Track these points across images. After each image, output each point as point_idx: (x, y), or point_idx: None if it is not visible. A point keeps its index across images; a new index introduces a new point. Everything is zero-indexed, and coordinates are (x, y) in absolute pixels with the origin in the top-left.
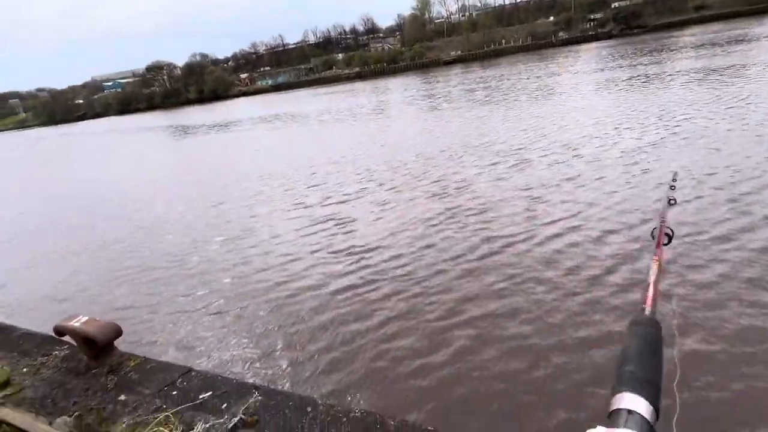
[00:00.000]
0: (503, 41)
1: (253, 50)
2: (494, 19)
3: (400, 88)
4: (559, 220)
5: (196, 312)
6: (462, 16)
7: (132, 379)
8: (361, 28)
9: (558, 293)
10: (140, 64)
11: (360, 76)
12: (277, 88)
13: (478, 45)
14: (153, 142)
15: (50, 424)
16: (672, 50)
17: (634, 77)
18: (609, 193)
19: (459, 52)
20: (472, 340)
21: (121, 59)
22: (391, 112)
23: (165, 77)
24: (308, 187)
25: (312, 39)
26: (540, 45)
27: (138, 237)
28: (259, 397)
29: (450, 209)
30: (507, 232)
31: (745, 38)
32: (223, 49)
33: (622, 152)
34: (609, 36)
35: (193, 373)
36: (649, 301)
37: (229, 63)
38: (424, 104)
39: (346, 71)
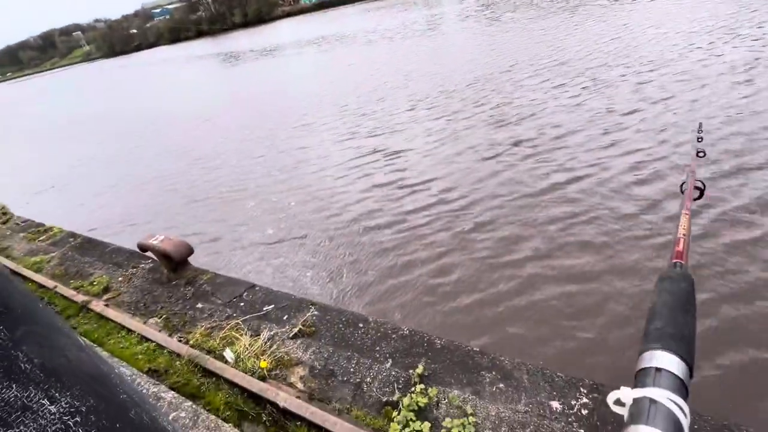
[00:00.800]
0: None
1: None
2: None
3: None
4: (635, 151)
5: (256, 228)
6: None
7: (206, 290)
8: None
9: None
10: None
11: None
12: (321, 6)
13: None
14: (203, 72)
15: (144, 323)
16: None
17: None
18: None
19: None
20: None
21: None
22: (447, 28)
23: (210, 1)
24: (359, 116)
25: None
26: None
27: (203, 163)
28: (316, 312)
29: (511, 138)
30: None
31: None
32: None
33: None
34: None
35: (256, 288)
36: (680, 255)
37: None
38: (483, 16)
39: None
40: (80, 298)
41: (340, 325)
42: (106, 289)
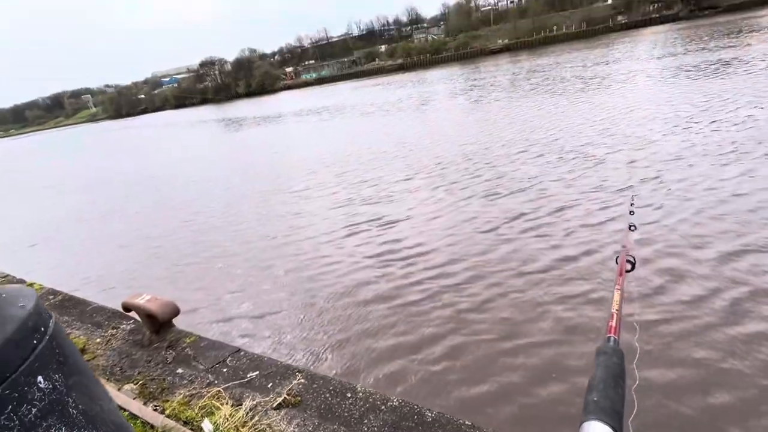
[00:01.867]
0: (555, 28)
1: (298, 44)
2: (545, 4)
3: (444, 80)
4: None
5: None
6: (510, 2)
7: (188, 354)
8: (404, 19)
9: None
10: (194, 60)
11: (402, 68)
12: (321, 81)
13: (527, 33)
14: (206, 135)
15: (119, 389)
16: (750, 32)
17: (708, 62)
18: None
19: (506, 41)
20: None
21: (177, 55)
22: (436, 105)
23: (217, 72)
24: (354, 183)
25: (356, 31)
26: (596, 31)
27: (196, 226)
28: (302, 380)
29: (503, 212)
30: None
31: None
32: (270, 43)
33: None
34: (675, 18)
35: (241, 353)
36: (613, 330)
37: (276, 57)
38: (470, 96)
39: (389, 63)
40: None
41: (327, 395)
42: (82, 351)
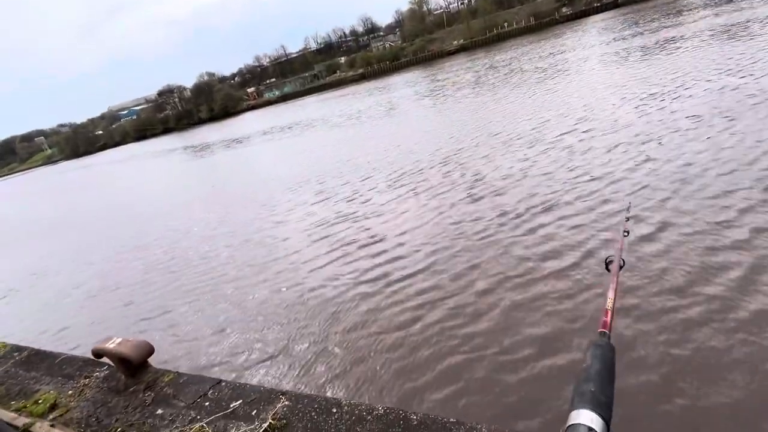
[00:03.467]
0: (505, 25)
1: (257, 63)
2: (494, 3)
3: (405, 85)
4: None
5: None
6: (461, 4)
7: (167, 393)
8: (360, 29)
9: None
10: (151, 90)
11: (364, 77)
12: (284, 98)
13: (480, 32)
14: (170, 164)
15: None
16: (682, 12)
17: (647, 46)
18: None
19: (461, 41)
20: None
21: (133, 87)
22: (400, 110)
23: (176, 100)
24: (334, 198)
25: (314, 46)
26: (544, 24)
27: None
28: (287, 402)
29: (475, 212)
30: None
31: None
32: (227, 66)
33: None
34: (615, 5)
35: (223, 384)
36: (606, 326)
37: (235, 79)
38: (431, 98)
39: (350, 73)
40: (22, 421)
41: (313, 413)
42: (53, 407)
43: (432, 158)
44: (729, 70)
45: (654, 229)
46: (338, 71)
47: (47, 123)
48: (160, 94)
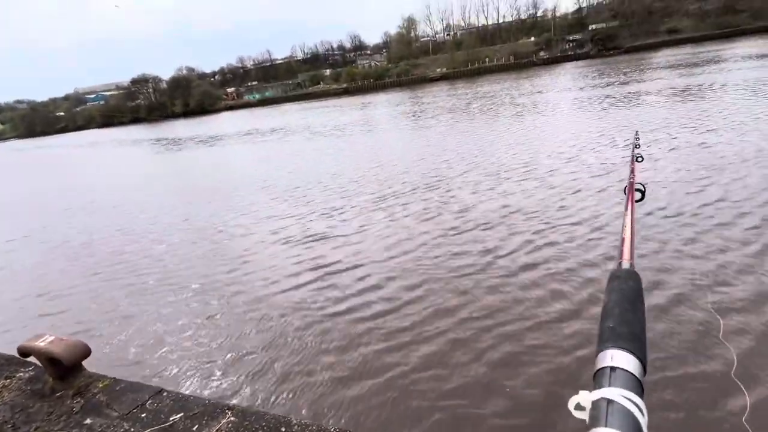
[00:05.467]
0: (486, 60)
1: (240, 65)
2: (477, 38)
3: (387, 104)
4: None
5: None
6: (447, 35)
7: (99, 401)
8: (348, 45)
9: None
10: (125, 77)
11: (347, 92)
12: (264, 102)
13: (462, 63)
14: (136, 154)
15: None
16: (647, 70)
17: (611, 96)
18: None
19: (444, 70)
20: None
21: (105, 72)
22: (384, 128)
23: (150, 90)
24: (290, 205)
25: (300, 55)
26: (522, 64)
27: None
28: (232, 418)
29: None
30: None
31: (718, 58)
32: (210, 63)
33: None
34: (587, 56)
35: (164, 394)
36: (626, 255)
37: (216, 77)
38: (412, 120)
39: (334, 86)
40: None
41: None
42: None
43: (415, 181)
44: (681, 125)
45: None
46: (322, 83)
47: (3, 97)
48: (134, 82)
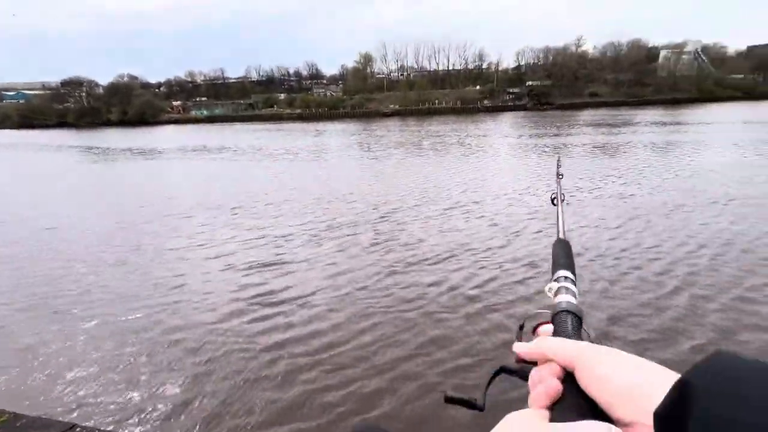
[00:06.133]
0: (436, 102)
1: (189, 78)
2: (429, 81)
3: (342, 134)
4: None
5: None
6: (401, 75)
7: None
8: (305, 73)
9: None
10: (54, 77)
11: (301, 118)
12: (213, 119)
13: (414, 102)
14: (61, 163)
15: None
16: (574, 126)
17: (546, 145)
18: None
19: (397, 106)
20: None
21: (33, 69)
22: (333, 156)
23: (84, 94)
24: (234, 229)
25: (254, 76)
26: (468, 109)
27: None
28: None
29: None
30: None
31: (630, 122)
32: (155, 73)
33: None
34: (524, 108)
35: (78, 429)
36: (561, 232)
37: (161, 88)
38: (366, 152)
39: (288, 111)
40: None
41: None
42: None
43: (366, 212)
44: (603, 175)
45: None
46: (276, 106)
47: None
48: (65, 84)
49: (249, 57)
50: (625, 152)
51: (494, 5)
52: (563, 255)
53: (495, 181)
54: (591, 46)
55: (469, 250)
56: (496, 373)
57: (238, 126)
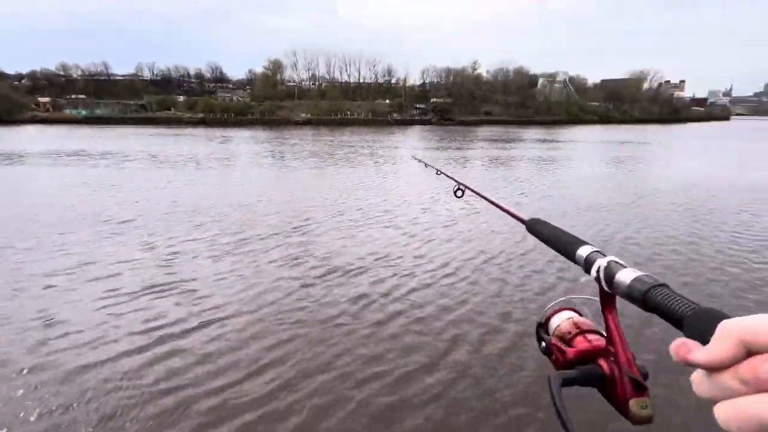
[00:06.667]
0: (348, 113)
1: (62, 72)
2: (341, 92)
3: (252, 141)
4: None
5: None
6: (312, 84)
7: None
8: (207, 75)
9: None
10: None
11: (204, 123)
12: (93, 120)
13: (326, 112)
14: None
15: None
16: (474, 140)
17: (451, 157)
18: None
19: (309, 116)
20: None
21: None
22: (242, 164)
23: None
24: (124, 246)
25: (147, 74)
26: (379, 121)
27: None
28: None
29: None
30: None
31: (518, 138)
32: (12, 62)
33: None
34: (430, 123)
35: None
36: (523, 216)
37: (23, 81)
38: (278, 160)
39: (188, 115)
40: None
41: None
42: None
43: (280, 224)
44: (486, 184)
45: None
46: (173, 109)
47: None
48: None
49: (139, 53)
50: (516, 165)
51: (404, 24)
52: (562, 232)
53: (407, 190)
54: (485, 69)
55: (385, 259)
56: (559, 388)
57: (127, 129)
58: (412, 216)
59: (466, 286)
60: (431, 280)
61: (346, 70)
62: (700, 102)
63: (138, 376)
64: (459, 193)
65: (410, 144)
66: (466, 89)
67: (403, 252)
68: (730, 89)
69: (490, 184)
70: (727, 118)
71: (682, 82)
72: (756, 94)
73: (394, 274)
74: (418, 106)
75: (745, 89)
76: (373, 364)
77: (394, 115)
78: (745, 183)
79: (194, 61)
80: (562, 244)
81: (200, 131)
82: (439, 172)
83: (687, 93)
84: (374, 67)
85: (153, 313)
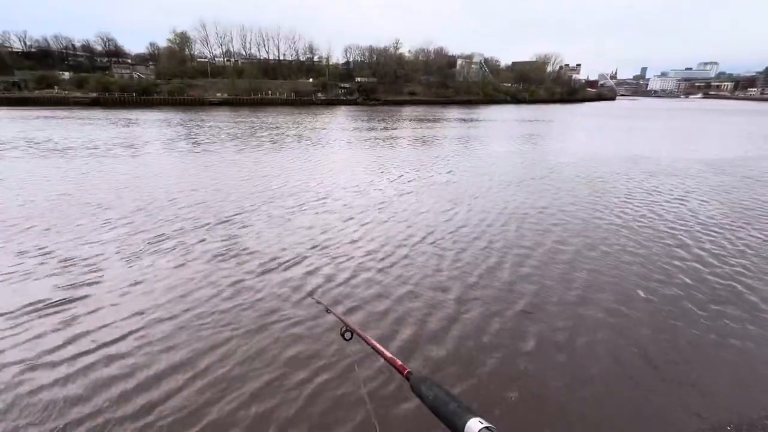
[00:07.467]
0: (269, 92)
1: None
2: (259, 70)
3: (162, 124)
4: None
5: None
6: (227, 60)
7: None
8: (99, 48)
9: None
10: None
11: (99, 103)
12: None
13: (244, 92)
14: None
15: None
16: (399, 120)
17: (378, 138)
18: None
19: (225, 95)
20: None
21: None
22: (154, 151)
23: None
24: (11, 253)
25: (19, 46)
26: (303, 101)
27: None
28: None
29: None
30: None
31: (441, 118)
32: None
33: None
34: (355, 103)
35: None
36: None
37: None
38: (195, 145)
39: (77, 95)
40: None
41: None
42: None
43: (203, 215)
44: (428, 164)
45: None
46: (57, 87)
47: None
48: None
49: (2, 21)
50: (441, 143)
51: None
52: (451, 397)
53: (339, 174)
54: (407, 49)
55: (320, 248)
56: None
57: (10, 111)
58: (346, 199)
59: (403, 268)
60: (371, 264)
61: (264, 47)
62: (593, 84)
63: (52, 402)
64: (347, 335)
65: (338, 125)
66: (390, 68)
67: (338, 237)
68: (615, 72)
69: (420, 163)
70: (613, 99)
71: (578, 65)
72: (635, 77)
73: (330, 262)
74: (343, 85)
75: (627, 73)
76: (315, 360)
77: (319, 95)
78: (627, 155)
79: (80, 31)
80: (449, 413)
81: (97, 113)
82: (329, 310)
83: (582, 75)
84: (294, 44)
85: (55, 326)
